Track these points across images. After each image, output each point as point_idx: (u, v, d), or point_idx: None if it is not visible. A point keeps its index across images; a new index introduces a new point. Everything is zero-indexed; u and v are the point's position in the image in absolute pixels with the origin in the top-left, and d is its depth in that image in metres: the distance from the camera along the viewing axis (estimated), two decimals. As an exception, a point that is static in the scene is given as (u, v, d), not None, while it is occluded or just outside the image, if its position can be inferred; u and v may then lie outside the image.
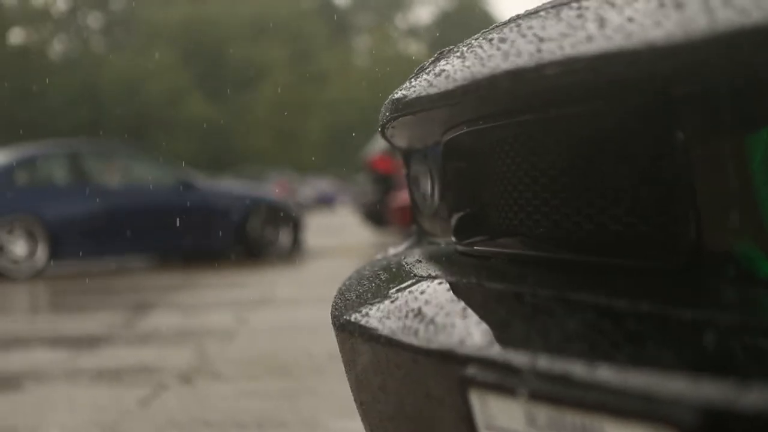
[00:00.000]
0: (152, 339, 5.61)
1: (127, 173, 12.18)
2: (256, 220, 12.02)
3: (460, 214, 1.43)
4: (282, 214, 12.21)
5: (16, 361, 5.04)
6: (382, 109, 1.44)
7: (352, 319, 1.21)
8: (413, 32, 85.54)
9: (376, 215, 13.79)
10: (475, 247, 1.30)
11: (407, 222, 9.81)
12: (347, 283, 1.50)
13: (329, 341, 5.12)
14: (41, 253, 10.86)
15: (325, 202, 48.33)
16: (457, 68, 1.09)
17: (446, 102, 1.12)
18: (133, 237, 11.37)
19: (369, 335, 1.13)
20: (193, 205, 11.81)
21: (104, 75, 61.28)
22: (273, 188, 39.87)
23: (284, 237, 12.23)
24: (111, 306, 7.54)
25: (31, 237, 10.86)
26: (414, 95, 1.19)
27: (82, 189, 11.41)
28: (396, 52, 68.47)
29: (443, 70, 1.14)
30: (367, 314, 1.18)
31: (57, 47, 67.43)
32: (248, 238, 12.03)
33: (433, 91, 1.13)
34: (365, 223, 14.94)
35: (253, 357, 4.86)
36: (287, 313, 6.64)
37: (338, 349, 1.35)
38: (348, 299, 1.33)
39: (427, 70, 1.22)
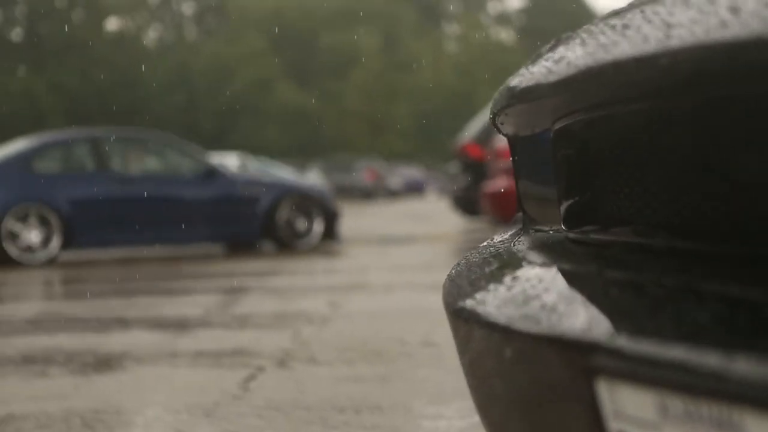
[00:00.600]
0: (248, 322, 5.69)
1: (150, 161, 12.02)
2: (286, 209, 11.71)
3: (571, 201, 1.42)
4: (315, 204, 11.84)
5: (117, 341, 5.15)
6: (496, 96, 1.44)
7: (468, 306, 1.21)
8: (502, 19, 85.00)
9: (467, 202, 13.75)
10: (590, 236, 1.29)
11: (499, 209, 9.77)
12: (457, 269, 1.50)
13: (420, 327, 5.16)
14: (55, 241, 10.77)
15: (414, 189, 48.36)
16: (578, 55, 1.08)
17: (567, 89, 1.11)
18: (152, 226, 11.21)
19: (486, 322, 1.13)
20: (218, 193, 11.56)
21: (197, 62, 62.15)
22: (363, 175, 39.98)
23: (318, 227, 11.88)
24: (205, 290, 7.66)
25: (46, 224, 10.76)
26: (532, 82, 1.19)
27: (100, 177, 11.25)
28: (486, 39, 68.09)
29: (563, 57, 1.13)
30: (483, 301, 1.18)
31: (152, 34, 68.56)
32: (276, 228, 11.70)
33: (553, 78, 1.13)
34: (455, 210, 14.92)
35: (347, 342, 4.89)
36: (379, 299, 6.67)
37: (452, 335, 1.35)
38: (460, 286, 1.33)
39: (545, 57, 1.21)
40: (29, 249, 10.70)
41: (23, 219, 10.72)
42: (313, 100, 61.20)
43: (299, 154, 55.79)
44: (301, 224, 11.82)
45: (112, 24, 64.84)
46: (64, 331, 5.63)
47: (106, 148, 11.56)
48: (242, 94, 59.75)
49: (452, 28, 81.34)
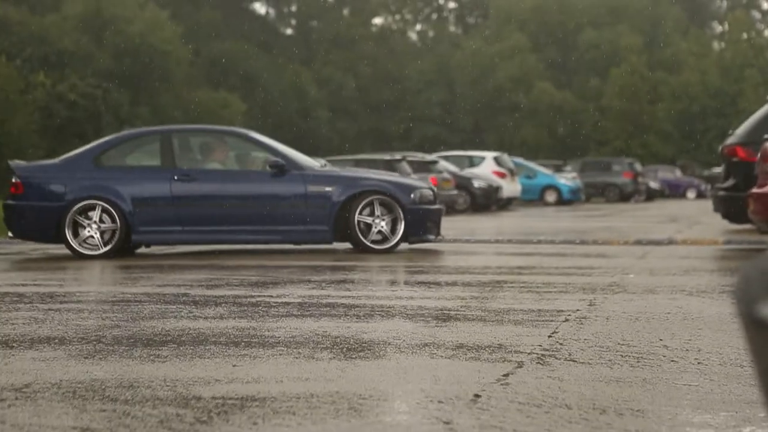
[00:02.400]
0: (506, 318, 5.72)
1: (219, 157, 11.65)
2: (361, 207, 10.94)
3: None
4: (398, 201, 11.00)
5: (379, 329, 5.30)
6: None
7: None
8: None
9: (730, 206, 13.25)
10: None
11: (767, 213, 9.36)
12: (748, 277, 1.46)
13: (683, 332, 5.04)
14: (116, 236, 10.80)
15: (673, 191, 47.04)
16: None
17: None
18: (213, 225, 10.97)
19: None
20: (286, 191, 11.03)
21: (457, 58, 62.71)
22: (621, 175, 39.17)
23: (400, 227, 11.02)
24: (464, 283, 7.74)
25: (111, 219, 10.81)
26: None
27: (164, 173, 11.10)
28: (755, 38, 65.20)
29: None
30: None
31: (415, 31, 69.84)
32: (350, 228, 10.97)
33: None
34: (719, 213, 14.40)
35: (606, 342, 4.84)
36: (639, 301, 6.54)
37: (746, 341, 1.32)
38: (757, 294, 1.30)
39: None
40: (90, 241, 10.82)
41: (87, 212, 10.85)
42: (571, 99, 60.51)
43: (555, 153, 55.37)
44: (379, 223, 11.04)
45: (378, 21, 66.45)
46: (328, 316, 5.84)
47: (176, 144, 11.41)
48: (500, 91, 59.84)
49: (718, 27, 78.42)
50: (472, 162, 30.83)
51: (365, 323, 5.53)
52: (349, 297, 6.85)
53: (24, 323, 5.62)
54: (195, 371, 4.15)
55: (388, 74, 59.95)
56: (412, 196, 11.16)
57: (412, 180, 12.13)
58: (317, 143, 50.63)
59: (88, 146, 11.70)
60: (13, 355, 4.59)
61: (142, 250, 11.88)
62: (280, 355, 4.53)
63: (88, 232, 10.81)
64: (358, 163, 24.07)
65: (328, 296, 6.95)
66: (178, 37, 48.33)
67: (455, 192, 25.70)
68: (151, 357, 4.48)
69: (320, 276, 8.63)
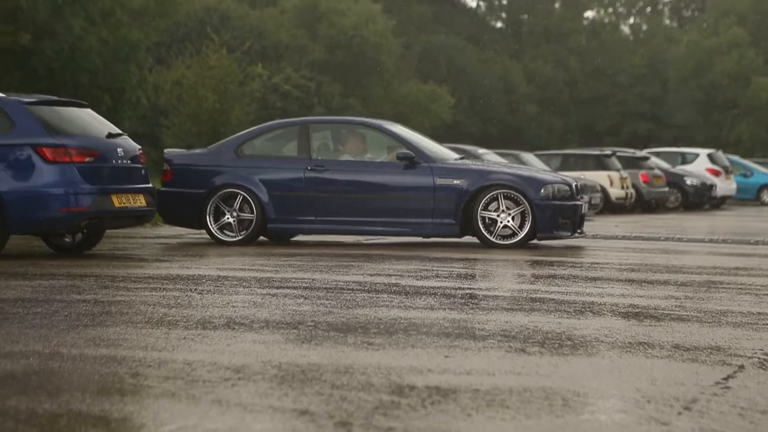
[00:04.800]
0: (723, 320, 5.54)
1: (355, 148, 11.61)
2: (488, 201, 10.66)
3: None
4: (527, 196, 10.64)
5: (590, 326, 5.23)
6: None
7: None
8: None
9: None
10: None
11: None
12: None
13: None
14: (252, 224, 10.95)
15: None
16: None
17: None
18: (343, 215, 11.06)
19: None
20: (415, 183, 10.94)
21: (672, 52, 61.06)
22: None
23: (527, 222, 10.61)
24: (677, 282, 7.53)
25: (249, 208, 10.98)
26: None
27: (299, 163, 11.22)
28: None
29: None
30: None
31: (628, 24, 68.39)
32: (475, 222, 10.69)
33: None
34: None
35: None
36: None
37: None
38: None
39: None
40: (229, 229, 11.03)
41: (227, 200, 11.08)
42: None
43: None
44: (504, 218, 10.72)
45: (590, 14, 65.45)
46: (539, 311, 5.80)
47: (313, 135, 11.55)
48: (716, 86, 57.89)
49: None
50: (685, 159, 29.95)
51: (576, 319, 5.47)
52: (559, 293, 6.78)
53: (244, 306, 5.83)
54: (407, 360, 4.21)
55: (599, 68, 58.87)
56: (542, 191, 10.85)
57: (546, 174, 11.76)
58: (525, 138, 50.27)
59: (233, 136, 12.14)
60: (234, 336, 4.77)
61: (298, 238, 12.02)
62: (492, 347, 4.53)
63: (228, 219, 11.14)
64: (567, 158, 23.83)
65: (538, 291, 6.91)
66: (390, 30, 48.94)
67: (666, 189, 25.06)
68: (365, 344, 4.57)
69: (526, 270, 8.59)
